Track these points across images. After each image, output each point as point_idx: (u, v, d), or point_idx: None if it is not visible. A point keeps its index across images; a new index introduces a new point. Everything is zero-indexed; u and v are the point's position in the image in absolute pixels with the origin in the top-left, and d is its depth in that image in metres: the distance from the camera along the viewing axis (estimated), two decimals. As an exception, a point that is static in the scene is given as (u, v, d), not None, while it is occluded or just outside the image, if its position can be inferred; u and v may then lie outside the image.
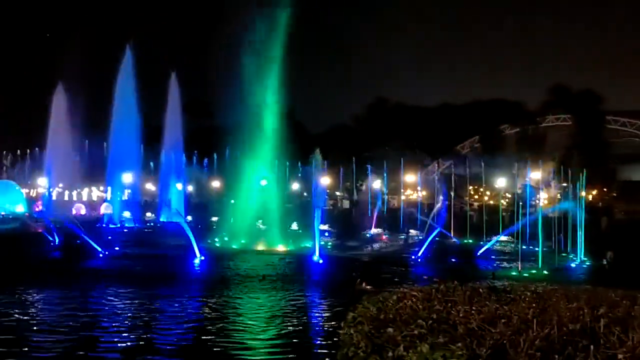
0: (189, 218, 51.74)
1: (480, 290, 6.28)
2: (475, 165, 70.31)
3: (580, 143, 71.18)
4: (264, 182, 35.25)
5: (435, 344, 4.25)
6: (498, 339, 4.27)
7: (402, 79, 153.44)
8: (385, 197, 56.94)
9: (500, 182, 73.80)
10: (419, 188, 69.38)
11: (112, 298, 15.46)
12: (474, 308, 5.17)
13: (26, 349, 10.46)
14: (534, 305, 5.53)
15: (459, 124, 73.04)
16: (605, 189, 69.90)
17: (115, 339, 11.34)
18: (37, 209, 53.80)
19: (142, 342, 11.13)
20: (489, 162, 70.64)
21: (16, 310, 13.47)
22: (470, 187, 75.61)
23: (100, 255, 24.27)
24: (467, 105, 78.18)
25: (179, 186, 54.70)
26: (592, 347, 4.03)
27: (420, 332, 4.55)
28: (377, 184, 61.67)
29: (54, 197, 57.92)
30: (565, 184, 71.09)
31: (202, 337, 11.46)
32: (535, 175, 71.58)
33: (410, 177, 69.67)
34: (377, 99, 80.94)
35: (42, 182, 62.73)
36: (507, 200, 70.97)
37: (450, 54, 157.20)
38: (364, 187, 67.78)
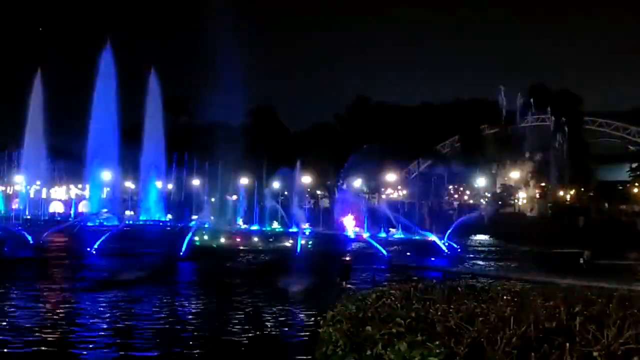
0: (169, 216, 51.55)
1: (459, 288, 6.31)
2: (456, 164, 70.82)
3: (559, 143, 72.01)
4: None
5: (414, 342, 4.26)
6: (476, 337, 4.29)
7: (383, 79, 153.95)
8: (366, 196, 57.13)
9: (480, 181, 74.47)
10: (399, 187, 69.73)
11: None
12: (452, 306, 5.18)
13: None
14: (511, 303, 5.57)
15: (439, 124, 73.42)
16: (582, 189, 70.74)
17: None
18: (14, 207, 53.10)
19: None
20: (469, 161, 71.22)
21: None
22: (450, 187, 76.18)
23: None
24: (447, 105, 78.63)
25: (159, 184, 54.34)
26: (567, 344, 4.07)
27: (398, 331, 4.55)
28: (357, 183, 61.87)
29: (31, 195, 57.12)
30: (543, 184, 72.04)
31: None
32: (514, 174, 72.34)
33: (391, 177, 69.97)
34: (357, 98, 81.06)
35: (19, 179, 61.78)
36: (486, 199, 71.61)
37: (431, 53, 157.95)
38: (344, 186, 67.96)
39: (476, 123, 75.71)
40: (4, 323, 12.13)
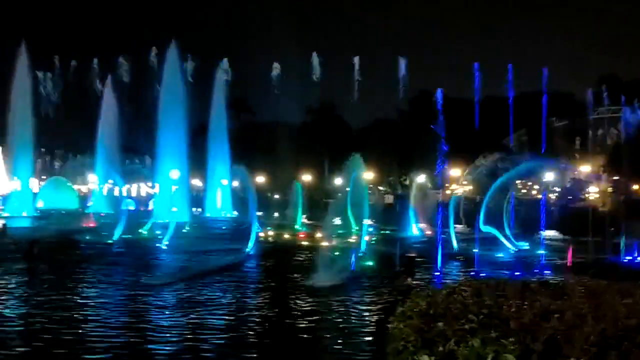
0: (235, 213, 52.64)
1: (532, 285, 6.21)
2: (523, 158, 68.95)
3: (633, 135, 68.91)
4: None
5: (487, 338, 4.23)
6: (552, 334, 4.22)
7: (447, 73, 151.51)
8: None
9: (549, 175, 72.20)
10: (464, 182, 68.52)
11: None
12: (525, 303, 5.12)
13: None
14: (587, 300, 5.44)
15: (505, 117, 71.61)
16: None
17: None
18: (88, 205, 55.54)
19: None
20: (537, 155, 69.17)
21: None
22: (518, 181, 74.10)
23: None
24: (513, 98, 76.55)
25: (224, 182, 55.56)
26: (649, 343, 3.95)
27: (471, 327, 4.53)
28: (421, 178, 61.13)
29: (104, 194, 59.58)
30: (616, 177, 69.06)
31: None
32: (585, 168, 69.69)
33: (455, 171, 68.81)
34: (420, 92, 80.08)
35: (92, 178, 64.66)
36: (555, 194, 69.38)
37: (496, 46, 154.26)
38: (407, 182, 67.36)
39: (544, 115, 73.49)
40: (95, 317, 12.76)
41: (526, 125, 73.91)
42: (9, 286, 16.96)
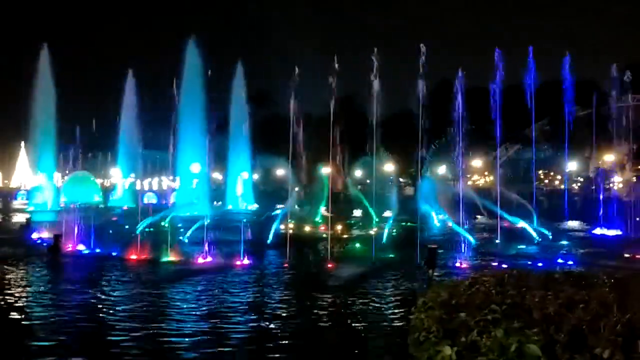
0: (255, 206, 52.93)
1: (556, 275, 6.11)
2: (545, 148, 68.18)
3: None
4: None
5: (511, 328, 4.17)
6: (576, 324, 4.15)
7: (467, 63, 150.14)
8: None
9: (572, 165, 71.32)
10: (485, 173, 68.05)
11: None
12: (549, 293, 5.04)
13: None
14: (613, 290, 5.33)
15: (527, 106, 70.73)
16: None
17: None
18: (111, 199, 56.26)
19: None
20: (559, 145, 68.31)
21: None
22: (540, 172, 73.34)
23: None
24: (536, 87, 75.48)
25: (245, 175, 55.87)
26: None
27: (494, 317, 4.47)
28: (442, 169, 60.82)
29: (126, 187, 60.30)
30: (641, 167, 68.03)
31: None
32: (609, 158, 68.66)
33: (477, 162, 68.37)
34: (441, 81, 79.36)
35: (115, 172, 65.46)
36: (578, 184, 68.57)
37: (517, 35, 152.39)
38: (428, 173, 66.99)
39: (566, 104, 72.48)
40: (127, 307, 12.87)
41: (549, 114, 72.95)
42: (33, 277, 17.27)
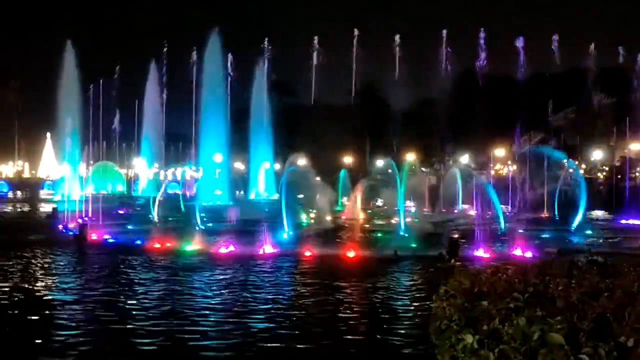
0: (276, 195, 53.09)
1: (580, 264, 6.05)
2: (570, 137, 67.19)
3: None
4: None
5: (533, 317, 4.14)
6: (601, 313, 4.11)
7: (490, 51, 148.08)
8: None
9: (597, 154, 70.22)
10: (509, 162, 67.31)
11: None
12: (573, 281, 4.99)
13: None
14: (638, 279, 5.26)
15: (551, 95, 69.75)
16: None
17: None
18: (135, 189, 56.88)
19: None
20: (584, 133, 67.36)
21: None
22: (565, 161, 72.22)
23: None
24: (560, 75, 74.43)
25: (267, 165, 56.05)
26: None
27: (516, 305, 4.45)
28: (464, 158, 60.31)
29: (150, 177, 60.95)
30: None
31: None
32: (635, 146, 67.45)
33: (500, 152, 67.68)
34: (464, 70, 78.66)
35: (138, 163, 66.19)
36: (604, 173, 67.48)
37: (541, 22, 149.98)
38: (450, 162, 66.50)
39: (591, 92, 71.35)
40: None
41: (574, 102, 71.91)
42: (59, 266, 17.62)
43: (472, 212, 35.62)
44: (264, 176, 56.34)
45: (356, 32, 64.80)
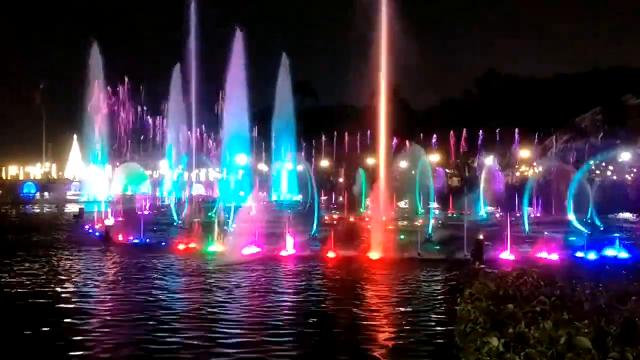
0: (299, 196, 53.22)
1: (606, 267, 5.98)
2: (597, 138, 66.28)
3: None
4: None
5: (560, 320, 4.11)
6: (628, 317, 4.06)
7: (514, 51, 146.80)
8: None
9: (625, 156, 69.11)
10: (534, 164, 66.60)
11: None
12: (600, 285, 4.94)
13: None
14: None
15: (577, 95, 68.88)
16: None
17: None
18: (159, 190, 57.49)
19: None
20: (612, 135, 66.34)
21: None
22: (591, 162, 71.15)
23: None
24: (585, 75, 73.45)
25: (289, 166, 56.23)
26: None
27: (542, 309, 4.41)
28: (489, 160, 59.77)
29: (174, 179, 61.53)
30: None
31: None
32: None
33: (525, 153, 67.02)
34: (487, 70, 78.07)
35: (163, 164, 66.93)
36: (632, 175, 66.33)
37: (565, 21, 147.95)
38: (474, 164, 66.02)
39: (618, 93, 70.27)
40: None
41: (601, 103, 70.88)
42: (86, 267, 17.89)
43: (498, 214, 35.34)
44: (286, 177, 56.55)
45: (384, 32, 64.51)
